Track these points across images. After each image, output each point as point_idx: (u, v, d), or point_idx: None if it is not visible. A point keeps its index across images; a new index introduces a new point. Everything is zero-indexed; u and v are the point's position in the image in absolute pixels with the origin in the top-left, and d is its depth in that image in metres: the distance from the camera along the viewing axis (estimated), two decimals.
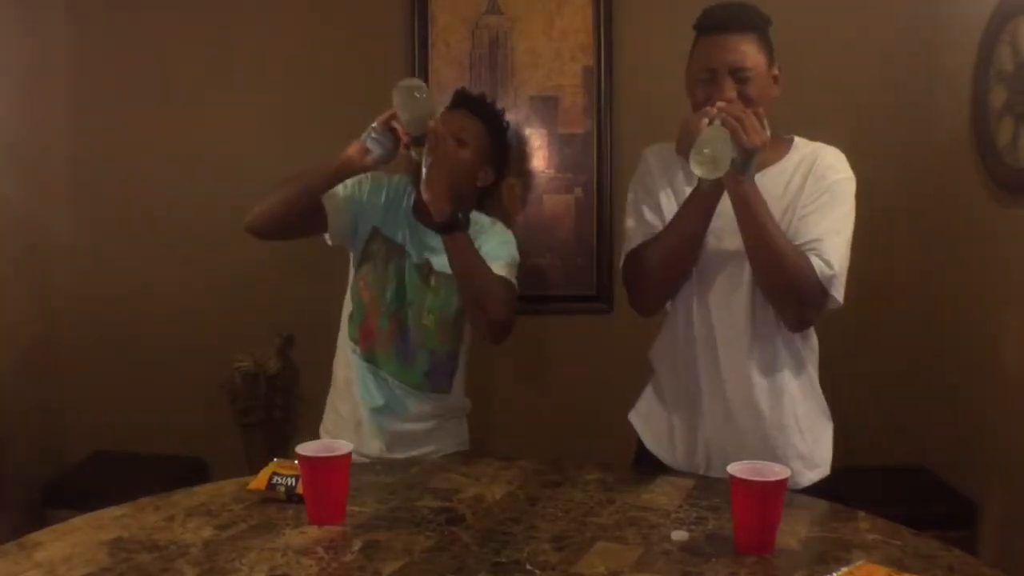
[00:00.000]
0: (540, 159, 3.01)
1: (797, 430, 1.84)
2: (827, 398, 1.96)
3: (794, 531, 1.49)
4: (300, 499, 1.58)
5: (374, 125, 1.93)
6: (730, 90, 1.76)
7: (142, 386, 3.08)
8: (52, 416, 3.03)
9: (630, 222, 1.91)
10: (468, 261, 1.97)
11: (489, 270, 2.00)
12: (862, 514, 1.59)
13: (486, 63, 2.98)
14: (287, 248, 2.83)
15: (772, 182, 1.80)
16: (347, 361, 2.17)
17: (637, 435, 1.99)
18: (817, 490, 1.80)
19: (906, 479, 2.80)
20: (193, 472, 2.88)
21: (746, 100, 1.75)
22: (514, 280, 2.07)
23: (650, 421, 1.97)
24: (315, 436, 1.61)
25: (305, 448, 1.55)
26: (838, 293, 1.74)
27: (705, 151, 1.63)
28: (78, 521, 1.55)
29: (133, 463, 2.94)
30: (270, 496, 1.64)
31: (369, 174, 2.12)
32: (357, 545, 1.46)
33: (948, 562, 1.39)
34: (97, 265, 3.08)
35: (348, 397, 2.16)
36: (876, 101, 2.88)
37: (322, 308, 2.35)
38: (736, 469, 1.43)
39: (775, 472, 1.43)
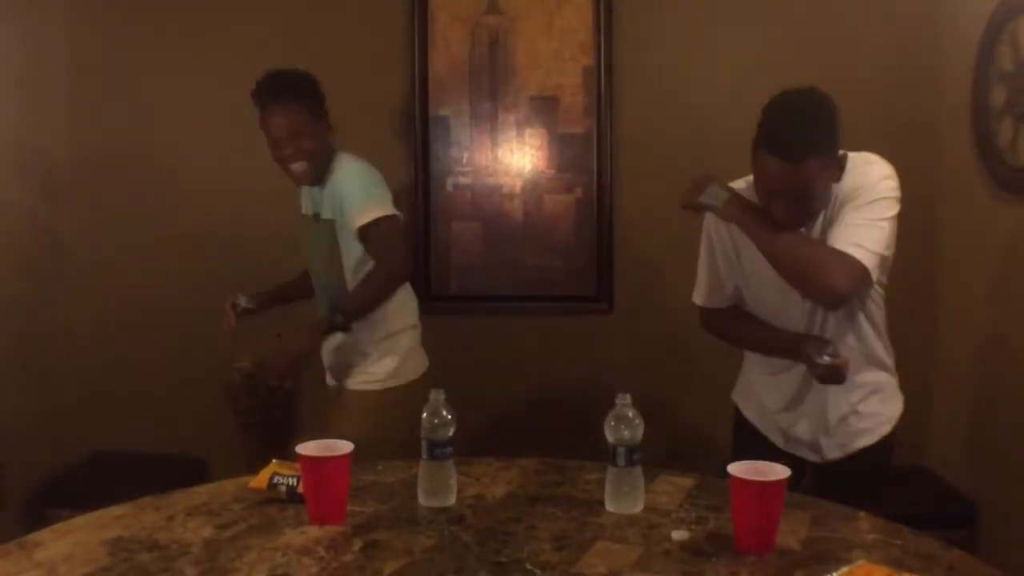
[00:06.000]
0: (540, 159, 3.01)
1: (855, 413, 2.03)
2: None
3: (794, 531, 1.49)
4: (300, 499, 1.58)
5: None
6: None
7: (142, 386, 3.08)
8: (52, 416, 3.03)
9: (699, 275, 2.08)
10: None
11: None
12: (862, 514, 1.59)
13: (486, 63, 2.98)
14: (287, 249, 2.83)
15: None
16: None
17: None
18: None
19: (906, 479, 2.80)
20: (193, 472, 2.88)
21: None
22: (384, 212, 2.20)
23: (746, 398, 2.15)
24: (315, 436, 1.60)
25: (305, 448, 1.55)
26: (872, 271, 1.86)
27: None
28: (78, 521, 1.56)
29: (133, 463, 2.94)
30: (271, 496, 1.64)
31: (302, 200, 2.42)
32: (357, 545, 1.46)
33: (948, 562, 1.39)
34: (97, 265, 3.08)
35: None
36: (876, 100, 2.87)
37: None
38: (736, 469, 1.43)
39: (775, 472, 1.43)
